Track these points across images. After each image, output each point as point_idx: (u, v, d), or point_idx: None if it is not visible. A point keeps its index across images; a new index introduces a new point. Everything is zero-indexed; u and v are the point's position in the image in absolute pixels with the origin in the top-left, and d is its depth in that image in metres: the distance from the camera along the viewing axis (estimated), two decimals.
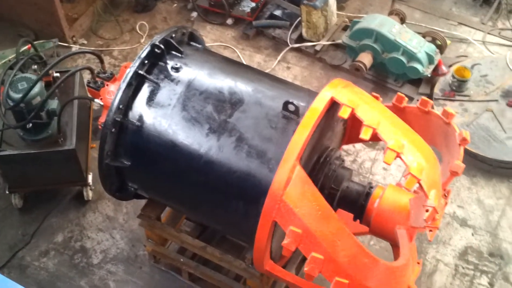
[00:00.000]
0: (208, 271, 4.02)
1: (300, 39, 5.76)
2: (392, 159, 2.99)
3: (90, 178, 4.60)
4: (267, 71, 5.60)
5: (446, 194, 3.36)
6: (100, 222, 4.65)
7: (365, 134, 3.06)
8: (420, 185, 2.96)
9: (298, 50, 5.78)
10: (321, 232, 2.99)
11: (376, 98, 3.50)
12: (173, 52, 3.53)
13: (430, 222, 2.93)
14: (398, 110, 3.52)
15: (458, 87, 5.13)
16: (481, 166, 4.87)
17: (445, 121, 3.41)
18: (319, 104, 3.13)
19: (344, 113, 3.11)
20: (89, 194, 4.68)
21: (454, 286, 4.31)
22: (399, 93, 3.61)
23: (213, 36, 5.97)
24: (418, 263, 3.50)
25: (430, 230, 3.03)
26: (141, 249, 4.45)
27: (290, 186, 2.99)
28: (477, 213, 4.69)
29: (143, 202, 3.98)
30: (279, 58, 5.74)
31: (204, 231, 4.25)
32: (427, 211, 2.92)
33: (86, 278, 4.36)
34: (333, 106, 3.24)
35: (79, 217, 4.66)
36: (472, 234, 4.57)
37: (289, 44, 5.75)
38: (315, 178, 3.32)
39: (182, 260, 4.09)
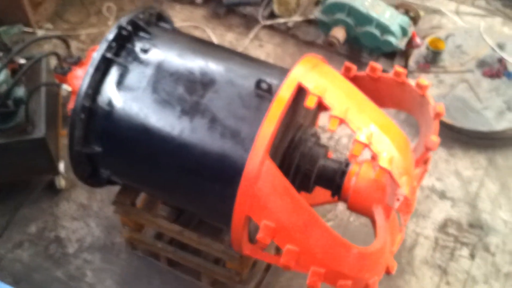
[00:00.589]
0: (187, 255, 3.96)
1: (272, 16, 5.67)
2: (360, 152, 2.98)
3: (61, 166, 4.49)
4: (239, 50, 5.53)
5: (426, 161, 3.33)
6: (74, 211, 4.55)
7: (333, 125, 3.02)
8: (391, 175, 2.96)
9: (270, 27, 5.69)
10: (294, 224, 3.01)
11: (349, 69, 3.45)
12: (141, 34, 3.43)
13: (402, 209, 2.96)
14: (373, 80, 3.48)
15: (432, 58, 5.10)
16: (458, 137, 4.86)
17: (419, 93, 3.38)
18: (290, 84, 3.08)
19: (310, 102, 3.05)
20: (61, 182, 4.58)
21: (435, 259, 4.31)
22: (372, 63, 3.56)
23: (182, 16, 5.85)
24: (401, 230, 3.46)
25: (398, 199, 3.03)
26: (118, 236, 4.38)
27: (261, 181, 2.99)
28: (456, 185, 4.69)
29: (117, 188, 3.89)
30: (251, 36, 5.65)
31: (181, 215, 4.19)
32: (398, 200, 2.93)
33: (63, 268, 4.27)
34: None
35: (52, 206, 4.56)
36: (451, 206, 4.57)
37: (261, 22, 5.66)
38: (291, 157, 3.29)
39: (159, 245, 4.02)
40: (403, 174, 3.01)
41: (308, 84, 3.09)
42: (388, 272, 3.25)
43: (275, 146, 3.10)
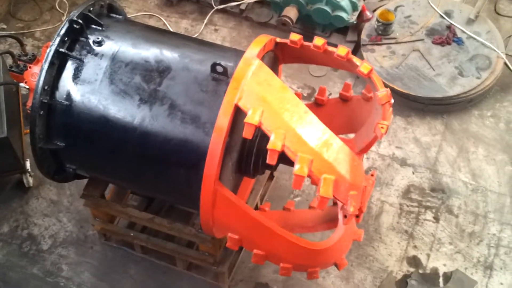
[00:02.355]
0: (160, 241, 4.02)
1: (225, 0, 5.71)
2: (301, 184, 2.97)
3: (28, 164, 4.51)
4: (195, 35, 5.56)
5: (372, 174, 3.41)
6: (45, 208, 4.58)
7: (272, 160, 2.97)
8: (336, 199, 3.02)
9: (224, 11, 5.73)
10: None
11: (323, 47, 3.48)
12: (93, 26, 3.45)
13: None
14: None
15: (383, 30, 5.19)
16: (414, 105, 4.98)
17: (367, 98, 3.51)
18: (245, 65, 3.13)
19: (247, 133, 2.99)
20: (29, 180, 4.59)
21: (401, 224, 4.44)
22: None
23: (136, 6, 5.86)
24: (372, 174, 3.46)
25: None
26: (90, 229, 4.42)
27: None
28: (415, 152, 4.81)
29: (86, 181, 3.93)
30: (205, 21, 5.68)
31: (151, 203, 4.25)
32: (345, 217, 3.07)
33: (38, 265, 4.31)
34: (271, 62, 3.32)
35: (23, 205, 4.58)
36: (413, 173, 4.70)
37: (214, 6, 5.69)
38: (252, 138, 3.33)
39: (132, 234, 4.08)
40: (351, 189, 3.07)
41: (245, 104, 3.04)
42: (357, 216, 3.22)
43: (236, 128, 3.15)
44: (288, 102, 3.11)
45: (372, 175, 3.42)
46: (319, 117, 3.18)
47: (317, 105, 3.86)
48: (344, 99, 3.82)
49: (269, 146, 2.91)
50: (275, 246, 3.33)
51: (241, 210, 3.22)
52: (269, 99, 3.06)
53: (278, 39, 3.47)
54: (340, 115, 3.81)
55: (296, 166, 2.90)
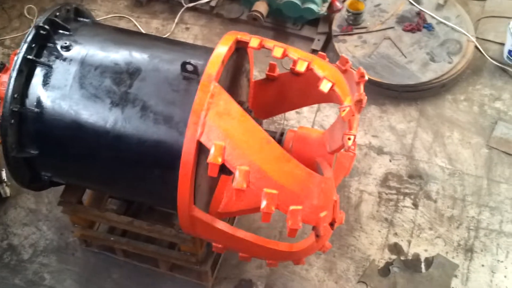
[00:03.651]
0: (141, 244, 4.01)
1: None
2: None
3: (3, 174, 4.46)
4: (166, 35, 5.54)
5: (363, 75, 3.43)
6: (23, 217, 4.53)
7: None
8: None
9: (194, 9, 5.71)
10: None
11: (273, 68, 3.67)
12: (61, 31, 3.42)
13: (348, 117, 3.11)
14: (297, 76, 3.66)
15: (354, 20, 5.20)
16: (388, 93, 5.00)
17: (342, 69, 3.47)
18: (215, 62, 3.11)
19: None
20: (6, 190, 4.54)
21: (381, 213, 4.46)
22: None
23: (105, 8, 5.81)
24: (341, 213, 3.51)
25: (349, 138, 3.14)
26: (71, 236, 4.38)
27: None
28: (391, 139, 4.84)
29: (62, 188, 3.90)
30: (176, 20, 5.65)
31: (131, 206, 4.23)
32: (343, 111, 3.06)
33: (20, 275, 4.27)
34: (232, 58, 3.25)
35: (1, 215, 4.53)
36: (390, 160, 4.72)
37: (184, 5, 5.67)
38: None
39: (112, 238, 4.05)
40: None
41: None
42: (332, 224, 3.29)
43: None
44: (249, 133, 3.07)
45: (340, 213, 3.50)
46: (272, 92, 3.49)
47: (268, 81, 3.80)
48: (294, 73, 3.72)
49: (234, 185, 2.87)
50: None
51: (216, 229, 3.25)
52: (231, 132, 2.99)
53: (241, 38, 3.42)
54: (293, 88, 3.76)
55: (263, 204, 2.89)
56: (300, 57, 3.18)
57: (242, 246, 3.43)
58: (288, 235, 2.95)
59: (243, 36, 3.28)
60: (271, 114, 4.16)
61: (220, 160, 2.87)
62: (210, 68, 3.08)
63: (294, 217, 2.92)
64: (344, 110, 3.06)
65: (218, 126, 2.97)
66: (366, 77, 3.36)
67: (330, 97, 3.28)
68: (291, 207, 2.93)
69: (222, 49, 3.17)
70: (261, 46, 3.25)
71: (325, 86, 3.10)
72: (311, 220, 3.06)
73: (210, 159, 2.88)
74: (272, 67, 3.74)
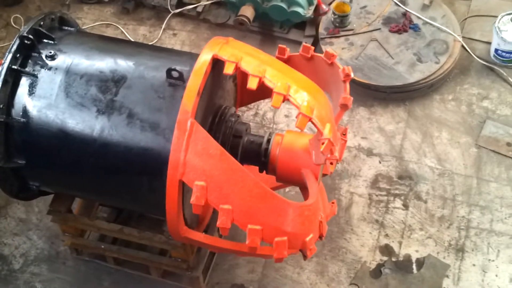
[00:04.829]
0: (132, 251, 3.99)
1: (181, 3, 5.67)
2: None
3: None
4: (153, 41, 5.54)
5: (344, 133, 3.46)
6: (13, 227, 4.52)
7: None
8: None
9: (181, 15, 5.70)
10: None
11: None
12: (45, 40, 3.42)
13: (328, 154, 3.03)
14: (284, 61, 3.55)
15: (340, 22, 5.21)
16: (376, 95, 5.01)
17: (328, 63, 3.47)
18: (201, 66, 3.11)
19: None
20: None
21: (372, 214, 4.46)
22: (280, 45, 3.64)
23: (92, 16, 5.80)
24: (333, 202, 3.60)
25: (331, 163, 3.15)
26: (61, 245, 4.36)
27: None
28: (381, 141, 4.84)
29: (52, 197, 3.88)
30: (163, 26, 5.65)
31: (121, 213, 4.22)
32: (323, 143, 2.99)
33: (11, 285, 4.25)
34: (218, 64, 3.22)
35: None
36: (380, 162, 4.73)
37: (171, 11, 5.66)
38: (214, 138, 3.33)
39: (103, 246, 4.04)
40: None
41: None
42: (320, 237, 3.31)
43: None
44: (230, 172, 3.05)
45: (333, 202, 3.53)
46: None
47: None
48: (305, 59, 3.71)
49: (218, 224, 2.93)
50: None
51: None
52: (212, 172, 2.99)
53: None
54: (305, 71, 3.60)
55: (248, 240, 2.94)
56: (253, 74, 3.06)
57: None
58: (275, 262, 3.05)
59: (220, 52, 3.16)
60: (259, 99, 4.16)
61: (203, 202, 2.94)
62: (186, 104, 3.01)
63: (280, 248, 2.98)
64: (323, 143, 3.00)
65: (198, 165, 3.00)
66: (352, 75, 3.38)
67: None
68: (276, 239, 2.98)
69: (195, 81, 3.07)
70: (236, 70, 3.14)
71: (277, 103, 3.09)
72: (297, 247, 3.10)
73: (193, 200, 2.92)
74: (281, 50, 3.70)
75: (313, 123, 3.03)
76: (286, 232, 3.04)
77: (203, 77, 3.07)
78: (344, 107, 3.29)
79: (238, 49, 3.27)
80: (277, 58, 3.57)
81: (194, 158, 2.99)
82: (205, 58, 3.14)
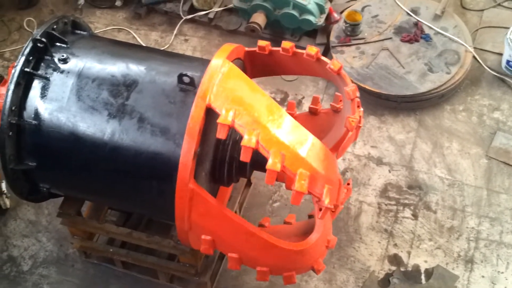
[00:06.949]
0: (140, 255, 4.00)
1: (193, 9, 5.70)
2: (274, 180, 2.95)
3: (3, 186, 4.47)
4: (165, 47, 5.56)
5: (349, 183, 3.45)
6: (23, 228, 4.54)
7: (245, 157, 2.96)
8: (310, 193, 3.00)
9: (193, 21, 5.73)
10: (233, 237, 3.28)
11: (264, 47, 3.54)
12: (58, 44, 3.45)
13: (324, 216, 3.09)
14: (265, 57, 3.58)
15: (352, 31, 5.21)
16: (387, 104, 5.00)
17: (335, 72, 3.47)
18: (211, 74, 3.11)
19: (220, 134, 2.98)
20: (6, 202, 4.55)
21: (381, 224, 4.45)
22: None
23: (104, 21, 5.84)
24: (349, 184, 3.50)
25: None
26: (70, 247, 4.38)
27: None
28: (391, 150, 4.83)
29: (62, 200, 3.90)
30: (175, 32, 5.68)
31: (130, 217, 4.23)
32: (320, 210, 3.03)
33: (20, 286, 4.27)
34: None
35: (1, 227, 4.54)
36: (389, 171, 4.72)
37: (183, 16, 5.69)
38: (223, 147, 3.36)
39: (111, 250, 4.05)
40: (326, 183, 3.04)
41: (217, 105, 3.03)
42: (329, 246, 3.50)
43: (206, 138, 3.15)
44: (260, 101, 3.13)
45: (348, 183, 3.47)
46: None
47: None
48: (312, 112, 3.86)
49: (243, 143, 2.91)
50: (251, 246, 3.28)
51: (216, 208, 3.19)
52: (241, 99, 3.06)
53: (246, 48, 3.47)
54: (310, 128, 3.68)
55: (269, 161, 2.90)
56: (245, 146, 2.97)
57: (237, 238, 3.32)
58: (292, 201, 2.94)
59: (215, 98, 3.08)
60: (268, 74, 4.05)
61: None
62: (182, 172, 3.02)
63: (301, 179, 2.92)
64: (320, 210, 3.02)
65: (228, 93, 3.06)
66: (358, 94, 3.38)
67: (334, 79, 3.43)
68: (300, 170, 2.94)
69: (217, 62, 3.15)
70: (269, 50, 3.36)
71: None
72: (316, 188, 2.99)
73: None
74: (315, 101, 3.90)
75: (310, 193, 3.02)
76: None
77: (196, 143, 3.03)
78: (358, 128, 3.36)
79: (233, 92, 3.16)
80: (258, 53, 3.55)
81: (226, 87, 3.06)
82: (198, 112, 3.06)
